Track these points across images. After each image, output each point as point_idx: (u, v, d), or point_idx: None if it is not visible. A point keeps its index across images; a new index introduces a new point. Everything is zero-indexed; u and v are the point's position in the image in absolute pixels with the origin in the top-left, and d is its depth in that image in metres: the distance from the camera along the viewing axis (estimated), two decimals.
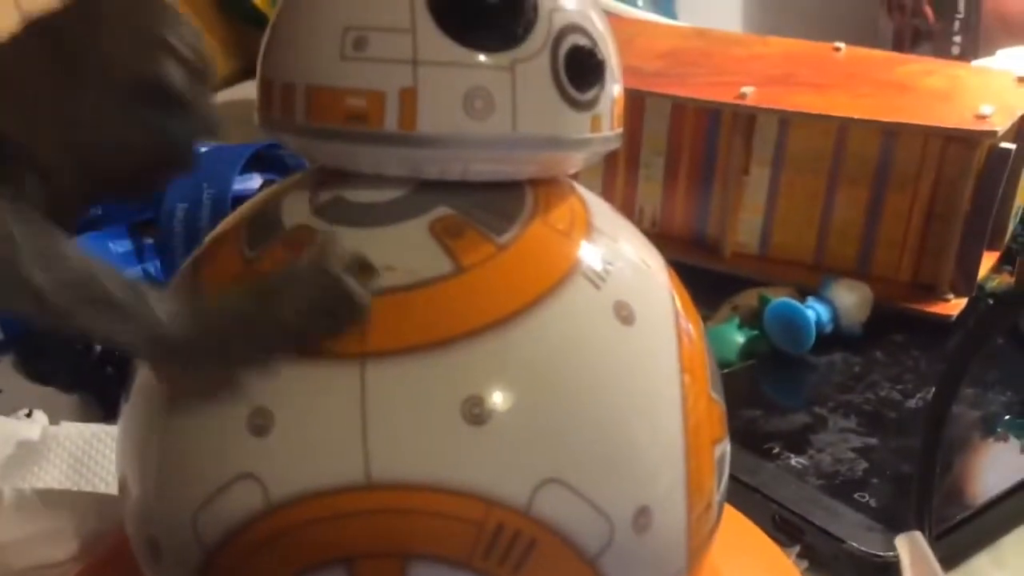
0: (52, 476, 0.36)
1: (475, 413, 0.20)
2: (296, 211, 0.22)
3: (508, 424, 0.20)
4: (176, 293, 0.21)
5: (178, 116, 0.20)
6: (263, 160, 0.58)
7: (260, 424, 0.20)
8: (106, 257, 0.55)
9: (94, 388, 0.49)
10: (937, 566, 0.30)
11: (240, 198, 0.57)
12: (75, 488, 0.35)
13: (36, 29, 0.19)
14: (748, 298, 0.52)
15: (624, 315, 0.22)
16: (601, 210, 0.24)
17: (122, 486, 0.24)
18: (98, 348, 0.49)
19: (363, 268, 0.20)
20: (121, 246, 0.55)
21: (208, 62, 0.20)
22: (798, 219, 0.56)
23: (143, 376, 0.23)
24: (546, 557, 0.20)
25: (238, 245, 0.23)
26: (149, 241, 0.56)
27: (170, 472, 0.22)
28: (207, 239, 0.24)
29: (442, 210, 0.22)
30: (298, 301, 0.19)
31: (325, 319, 0.20)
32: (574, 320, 0.21)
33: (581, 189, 0.25)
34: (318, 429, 0.20)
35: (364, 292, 0.19)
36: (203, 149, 0.59)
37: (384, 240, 0.21)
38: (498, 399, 0.20)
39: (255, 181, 0.58)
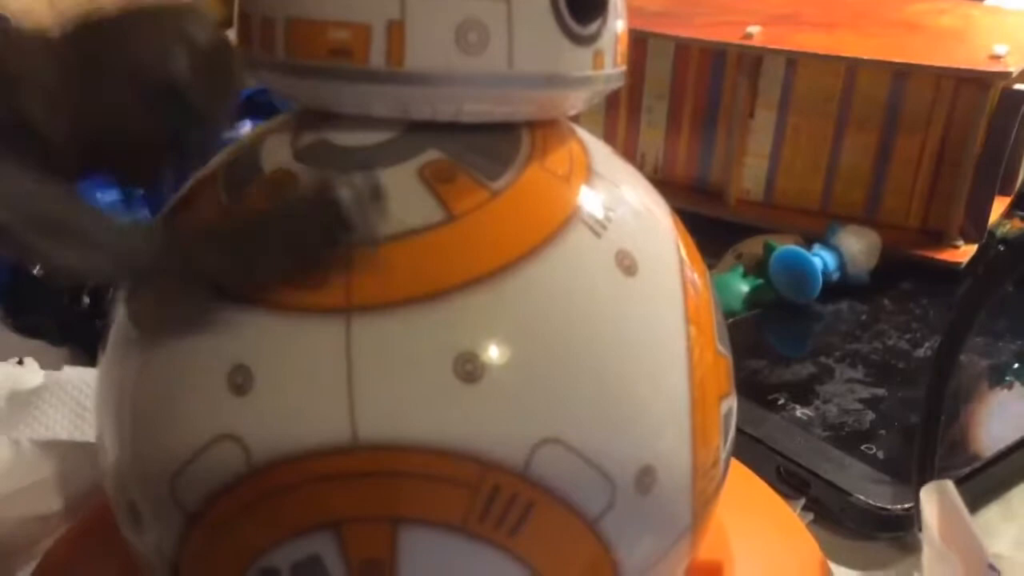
0: (56, 421, 0.36)
1: (468, 370, 0.18)
2: (276, 155, 0.21)
3: (503, 381, 0.19)
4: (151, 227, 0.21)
5: (192, 121, 0.20)
6: (254, 106, 0.57)
7: (240, 382, 0.19)
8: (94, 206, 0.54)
9: (83, 340, 0.48)
10: (970, 518, 0.29)
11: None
12: (80, 436, 0.35)
13: (70, 28, 0.19)
14: (753, 246, 0.50)
15: (627, 265, 0.21)
16: (602, 154, 0.23)
17: (99, 446, 0.23)
18: (86, 300, 0.48)
19: (374, 195, 0.19)
20: (109, 195, 0.54)
21: (231, 68, 0.20)
22: (804, 164, 0.55)
23: (119, 329, 0.22)
24: (545, 520, 0.19)
25: (215, 190, 0.21)
26: (136, 192, 0.55)
27: (146, 432, 0.21)
28: (186, 185, 0.23)
29: (432, 154, 0.20)
30: (292, 226, 0.18)
31: (321, 248, 0.18)
32: (573, 271, 0.20)
33: (581, 132, 0.23)
34: (301, 387, 0.19)
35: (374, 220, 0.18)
36: None
37: None
38: (492, 355, 0.19)
39: (246, 127, 0.57)
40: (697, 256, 0.24)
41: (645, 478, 0.20)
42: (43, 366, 0.41)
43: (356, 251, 0.19)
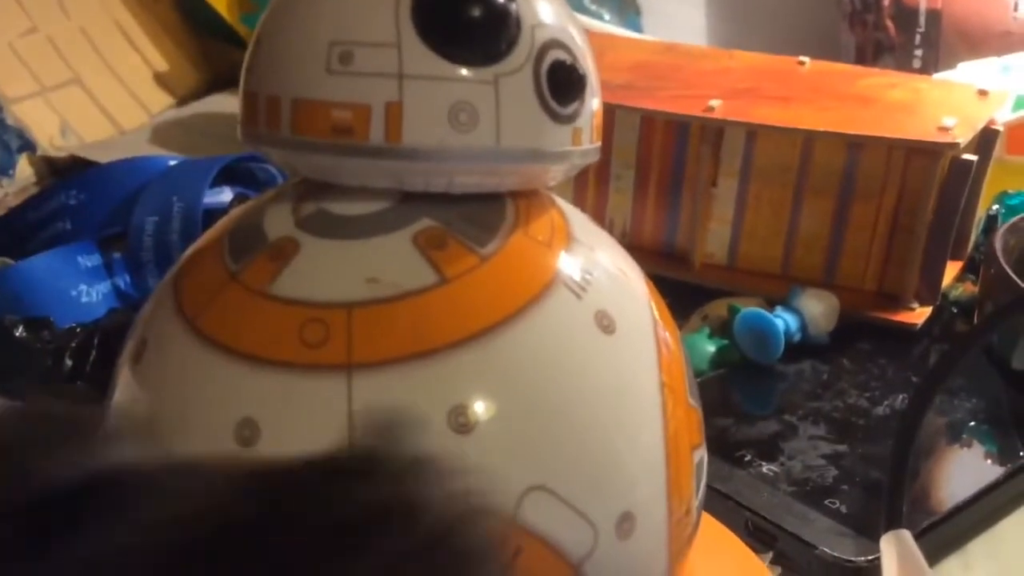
0: None
1: (460, 422, 0.20)
2: (279, 223, 0.22)
3: (493, 433, 0.20)
4: None
5: None
6: (233, 173, 0.58)
7: (247, 435, 0.20)
8: (75, 271, 0.54)
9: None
10: (925, 565, 0.30)
11: (211, 211, 0.57)
12: None
13: None
14: (718, 308, 0.52)
15: (605, 324, 0.22)
16: (579, 221, 0.25)
17: None
18: (69, 362, 0.49)
19: None
20: (90, 260, 0.55)
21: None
22: (765, 230, 0.57)
23: (124, 389, 0.23)
24: (531, 564, 0.20)
25: (221, 258, 0.23)
26: (118, 255, 0.56)
27: None
28: (185, 255, 0.24)
29: (425, 222, 0.22)
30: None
31: None
32: (556, 330, 0.21)
33: (560, 201, 0.25)
34: (305, 440, 0.20)
35: None
36: (173, 162, 0.59)
37: (368, 252, 0.21)
38: (482, 408, 0.20)
39: (226, 194, 0.58)
40: (668, 316, 0.25)
41: (625, 524, 0.21)
42: None
43: (356, 313, 0.20)
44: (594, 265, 0.23)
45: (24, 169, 0.69)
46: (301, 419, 0.20)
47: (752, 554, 0.34)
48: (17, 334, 0.50)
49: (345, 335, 0.20)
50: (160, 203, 0.56)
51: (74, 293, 0.53)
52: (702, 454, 0.25)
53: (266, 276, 0.21)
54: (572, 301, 0.22)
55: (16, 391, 0.50)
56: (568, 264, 0.23)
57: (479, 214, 0.23)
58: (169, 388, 0.22)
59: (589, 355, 0.22)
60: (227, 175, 0.58)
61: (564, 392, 0.21)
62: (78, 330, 0.50)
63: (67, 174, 0.66)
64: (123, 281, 0.55)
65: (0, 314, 0.52)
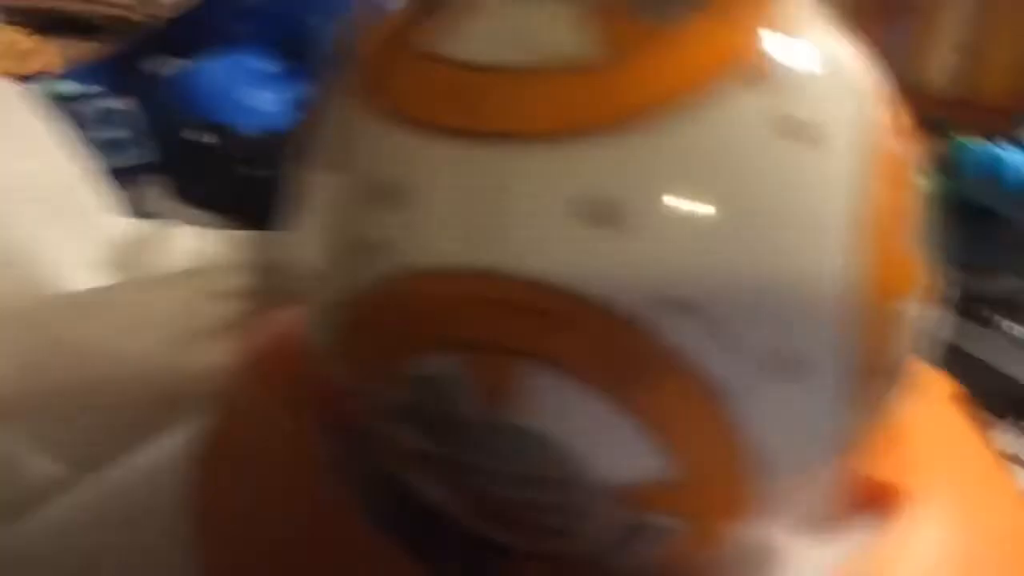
0: None
1: (608, 214, 0.18)
2: None
3: (642, 233, 0.18)
4: None
5: None
6: None
7: (395, 195, 0.19)
8: (254, 77, 0.53)
9: (253, 214, 0.45)
10: None
11: None
12: None
13: None
14: (943, 145, 0.46)
15: (793, 130, 0.19)
16: (802, 10, 0.20)
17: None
18: (260, 172, 0.47)
19: None
20: (270, 66, 0.54)
21: None
22: (1001, 55, 0.50)
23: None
24: (666, 384, 0.18)
25: (399, 16, 0.21)
26: (296, 64, 0.54)
27: (320, 235, 0.21)
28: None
29: None
30: None
31: None
32: (727, 127, 0.18)
33: None
34: (441, 209, 0.19)
35: None
36: None
37: (535, 15, 0.19)
38: (634, 202, 0.18)
39: None
40: (906, 132, 0.21)
41: (789, 365, 0.19)
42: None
43: (509, 78, 0.18)
44: (797, 60, 0.19)
45: None
46: (445, 185, 0.19)
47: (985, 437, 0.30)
48: (206, 142, 0.49)
49: (498, 101, 0.18)
50: (342, 6, 0.54)
51: (252, 100, 0.52)
52: (918, 307, 0.21)
53: (437, 34, 0.20)
54: (756, 98, 0.19)
55: (203, 199, 0.49)
56: (762, 53, 0.19)
57: None
58: (326, 147, 0.21)
59: (767, 163, 0.18)
60: None
61: (726, 200, 0.18)
62: (267, 139, 0.49)
63: None
64: (299, 90, 0.53)
65: (177, 118, 0.52)
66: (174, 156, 0.50)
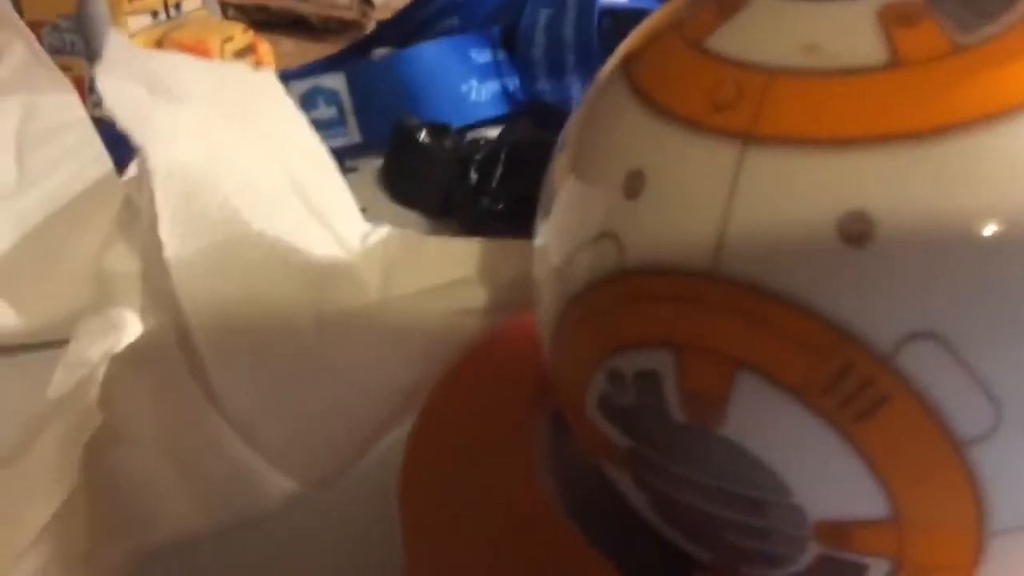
0: None
1: (856, 231, 0.16)
2: None
3: (892, 253, 0.16)
4: None
5: None
6: None
7: (633, 185, 0.19)
8: (466, 65, 0.53)
9: (464, 219, 0.46)
10: None
11: (608, 10, 0.53)
12: None
13: None
14: None
15: None
16: None
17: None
18: (474, 177, 0.46)
19: None
20: (481, 56, 0.53)
21: None
22: None
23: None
24: (900, 421, 0.17)
25: (676, 8, 0.21)
26: (505, 56, 0.53)
27: (554, 225, 0.22)
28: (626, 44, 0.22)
29: None
30: None
31: None
32: (1015, 163, 0.16)
33: None
34: (680, 203, 0.18)
35: None
36: None
37: (819, 16, 0.18)
38: (888, 221, 0.16)
39: None
40: None
41: None
42: None
43: (776, 80, 0.17)
44: None
45: None
46: (683, 180, 0.18)
47: None
48: (420, 139, 0.49)
49: (755, 102, 0.18)
50: None
51: (464, 88, 0.52)
52: None
53: (707, 28, 0.19)
54: None
55: (413, 199, 0.49)
56: None
57: None
58: (580, 126, 0.21)
59: None
60: None
61: (1000, 227, 0.16)
62: (482, 143, 0.48)
63: None
64: (511, 83, 0.53)
65: (386, 100, 0.52)
66: (382, 145, 0.50)
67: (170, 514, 0.27)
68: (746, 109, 0.18)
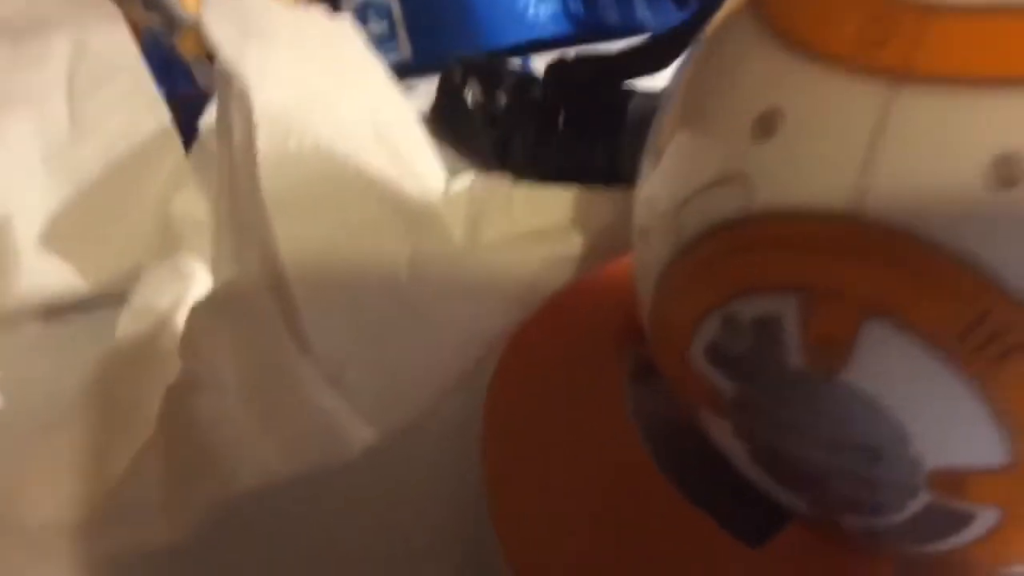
0: None
1: (1007, 174, 0.16)
2: None
3: None
4: None
5: None
6: None
7: (766, 125, 0.18)
8: None
9: (512, 168, 0.43)
10: None
11: None
12: None
13: None
14: None
15: None
16: None
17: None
18: (530, 135, 0.43)
19: None
20: None
21: None
22: None
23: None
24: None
25: None
26: None
27: (665, 171, 0.21)
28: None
29: None
30: None
31: None
32: None
33: None
34: (822, 144, 0.18)
35: None
36: None
37: None
38: None
39: None
40: None
41: None
42: None
43: (932, 17, 0.17)
44: None
45: None
46: (823, 121, 0.18)
47: None
48: (468, 101, 0.45)
49: (910, 39, 0.17)
50: None
51: (521, 3, 0.49)
52: None
53: None
54: None
55: (464, 141, 0.46)
56: None
57: None
58: (698, 68, 0.21)
59: None
60: None
61: None
62: (535, 91, 0.43)
63: None
64: (573, 3, 0.51)
65: (438, 15, 0.48)
66: (435, 66, 0.46)
67: (251, 461, 0.27)
68: (899, 47, 0.17)
